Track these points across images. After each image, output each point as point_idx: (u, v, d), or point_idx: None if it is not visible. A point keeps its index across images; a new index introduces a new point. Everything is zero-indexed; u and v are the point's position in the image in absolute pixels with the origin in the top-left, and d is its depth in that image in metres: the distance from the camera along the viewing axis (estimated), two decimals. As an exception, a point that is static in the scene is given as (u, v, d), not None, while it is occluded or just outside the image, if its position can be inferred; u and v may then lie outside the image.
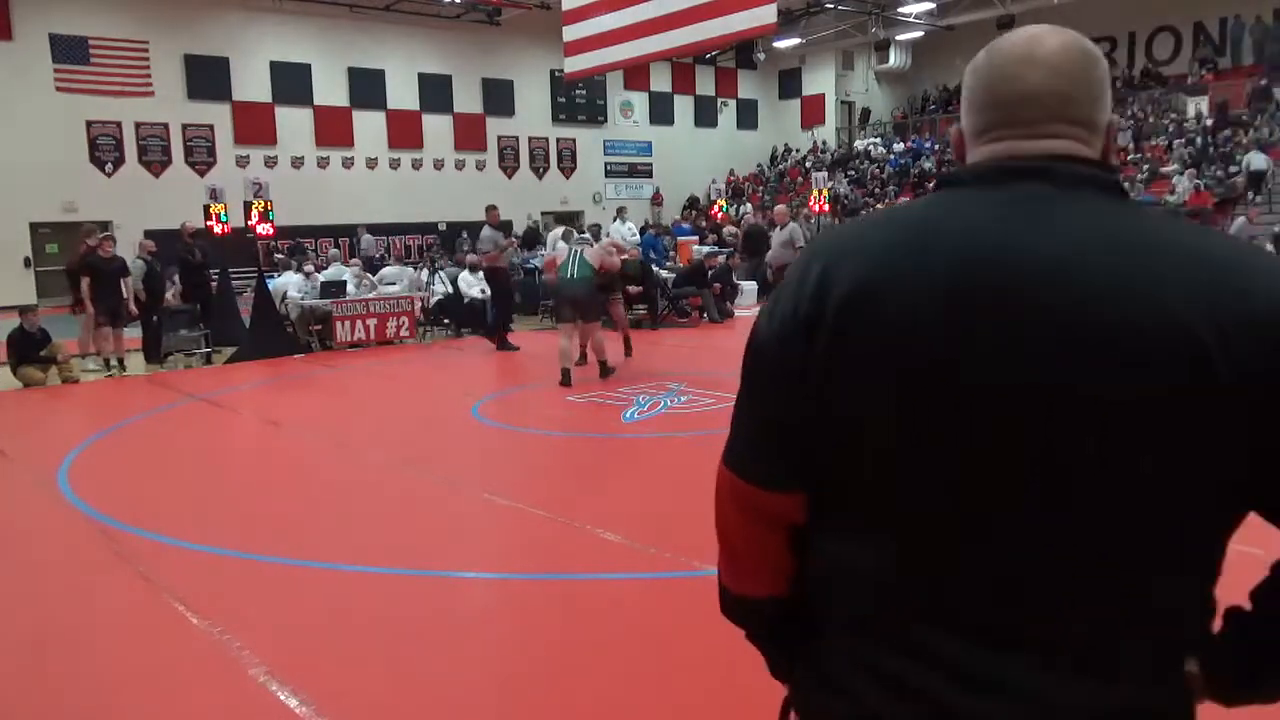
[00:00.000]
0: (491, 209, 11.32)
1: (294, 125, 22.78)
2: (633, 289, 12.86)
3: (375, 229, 23.32)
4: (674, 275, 14.10)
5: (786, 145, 30.93)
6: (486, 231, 11.12)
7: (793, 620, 1.08)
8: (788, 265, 11.72)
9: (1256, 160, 18.91)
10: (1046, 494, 0.89)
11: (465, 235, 21.16)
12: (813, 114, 30.66)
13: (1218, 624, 0.97)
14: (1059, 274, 0.87)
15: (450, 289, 13.23)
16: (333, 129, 23.31)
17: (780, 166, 30.03)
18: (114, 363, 10.39)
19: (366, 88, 23.71)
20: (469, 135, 25.55)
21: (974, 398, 0.89)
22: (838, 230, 1.04)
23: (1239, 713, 1.04)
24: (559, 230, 15.18)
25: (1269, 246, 16.88)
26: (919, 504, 0.93)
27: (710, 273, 13.97)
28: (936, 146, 26.99)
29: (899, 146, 27.60)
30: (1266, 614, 0.94)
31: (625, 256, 13.19)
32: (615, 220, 17.48)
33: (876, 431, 0.94)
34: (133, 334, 11.11)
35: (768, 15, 11.87)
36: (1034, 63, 0.96)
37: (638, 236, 16.45)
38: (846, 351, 0.93)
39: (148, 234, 13.09)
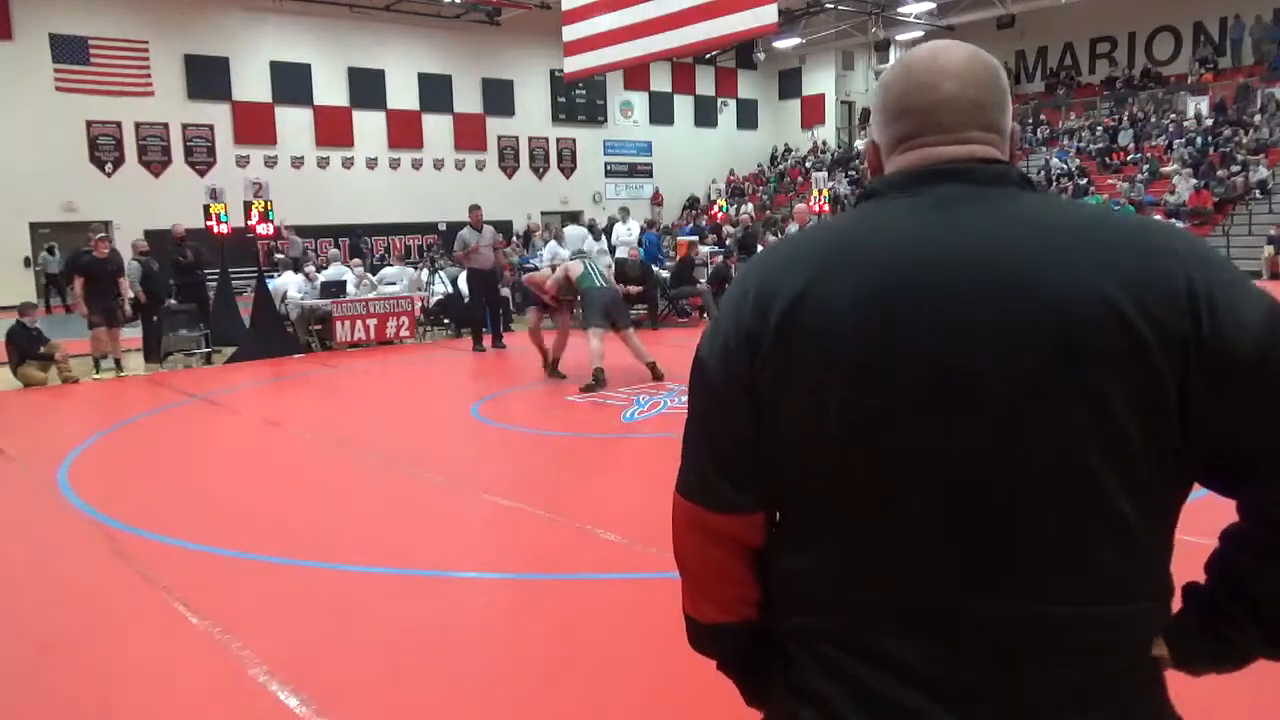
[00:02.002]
0: (474, 209, 11.26)
1: (294, 125, 22.78)
2: (633, 289, 12.86)
3: (375, 229, 23.30)
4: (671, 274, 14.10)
5: (786, 145, 30.94)
6: (463, 231, 11.18)
7: (761, 646, 1.09)
8: None
9: (1260, 172, 19.06)
10: (1001, 483, 0.89)
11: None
12: (813, 114, 30.66)
13: (1176, 604, 0.99)
14: (983, 265, 0.90)
15: (450, 289, 13.23)
16: (333, 129, 23.31)
17: (780, 166, 30.04)
18: (105, 365, 10.35)
19: (366, 88, 23.71)
20: (469, 135, 25.54)
21: (916, 392, 0.90)
22: (769, 250, 1.06)
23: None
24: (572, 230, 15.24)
25: (1267, 248, 16.92)
26: (877, 507, 0.94)
27: (710, 270, 13.96)
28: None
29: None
30: (1221, 581, 0.96)
31: (625, 256, 13.26)
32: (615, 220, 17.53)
33: (824, 438, 0.94)
34: (132, 334, 11.10)
35: (768, 15, 11.87)
36: (947, 73, 1.00)
37: (634, 236, 16.45)
38: (790, 361, 0.95)
39: (147, 234, 13.09)
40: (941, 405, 0.89)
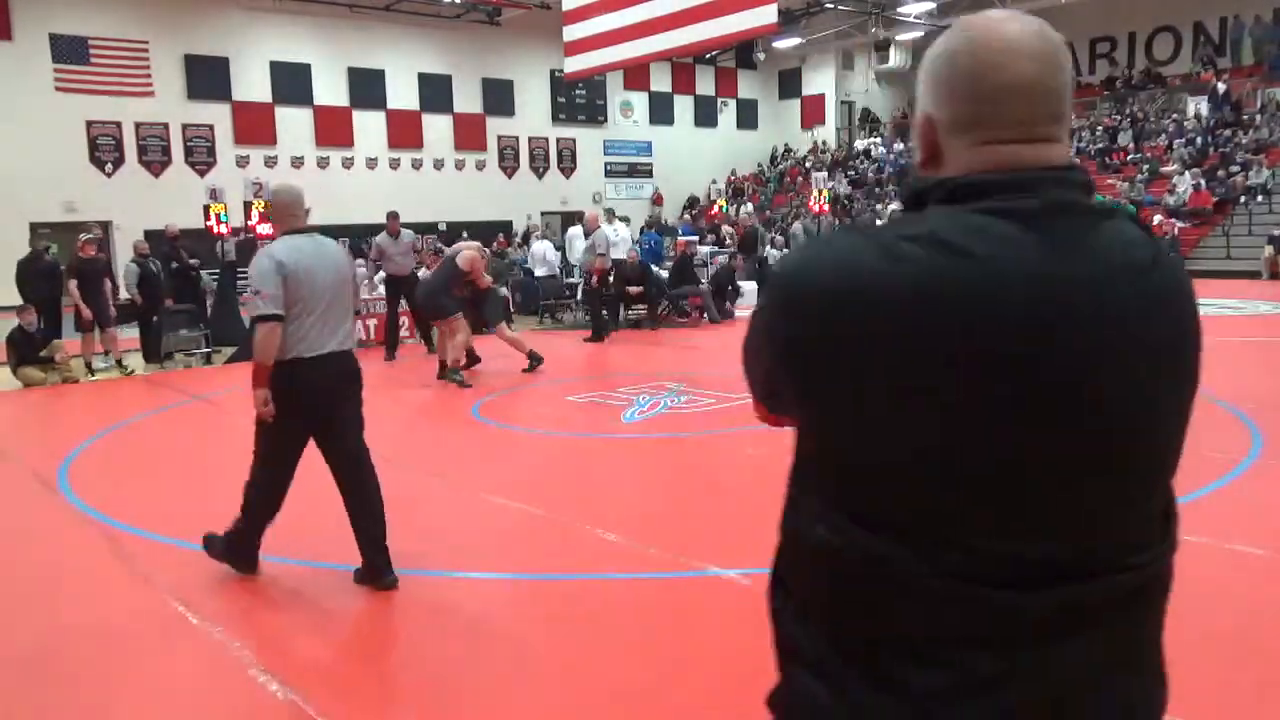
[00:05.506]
0: (391, 216, 11.13)
1: (294, 125, 22.77)
2: (633, 289, 12.86)
3: (375, 229, 23.23)
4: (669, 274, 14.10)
5: (786, 145, 30.94)
6: (378, 238, 11.22)
7: None
8: (605, 270, 11.46)
9: (1260, 174, 19.07)
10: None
11: (466, 235, 21.15)
12: (813, 114, 30.66)
13: None
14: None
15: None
16: (333, 129, 23.31)
17: (780, 166, 30.04)
18: (98, 366, 10.35)
19: (366, 88, 23.70)
20: (469, 135, 25.54)
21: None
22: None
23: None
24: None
25: (1268, 248, 16.90)
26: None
27: (712, 271, 13.96)
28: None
29: (899, 146, 27.62)
30: None
31: (623, 258, 13.22)
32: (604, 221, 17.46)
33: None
34: (132, 334, 11.11)
35: (768, 15, 11.90)
36: (1020, 53, 0.92)
37: (620, 236, 16.32)
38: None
39: (147, 235, 13.09)
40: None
